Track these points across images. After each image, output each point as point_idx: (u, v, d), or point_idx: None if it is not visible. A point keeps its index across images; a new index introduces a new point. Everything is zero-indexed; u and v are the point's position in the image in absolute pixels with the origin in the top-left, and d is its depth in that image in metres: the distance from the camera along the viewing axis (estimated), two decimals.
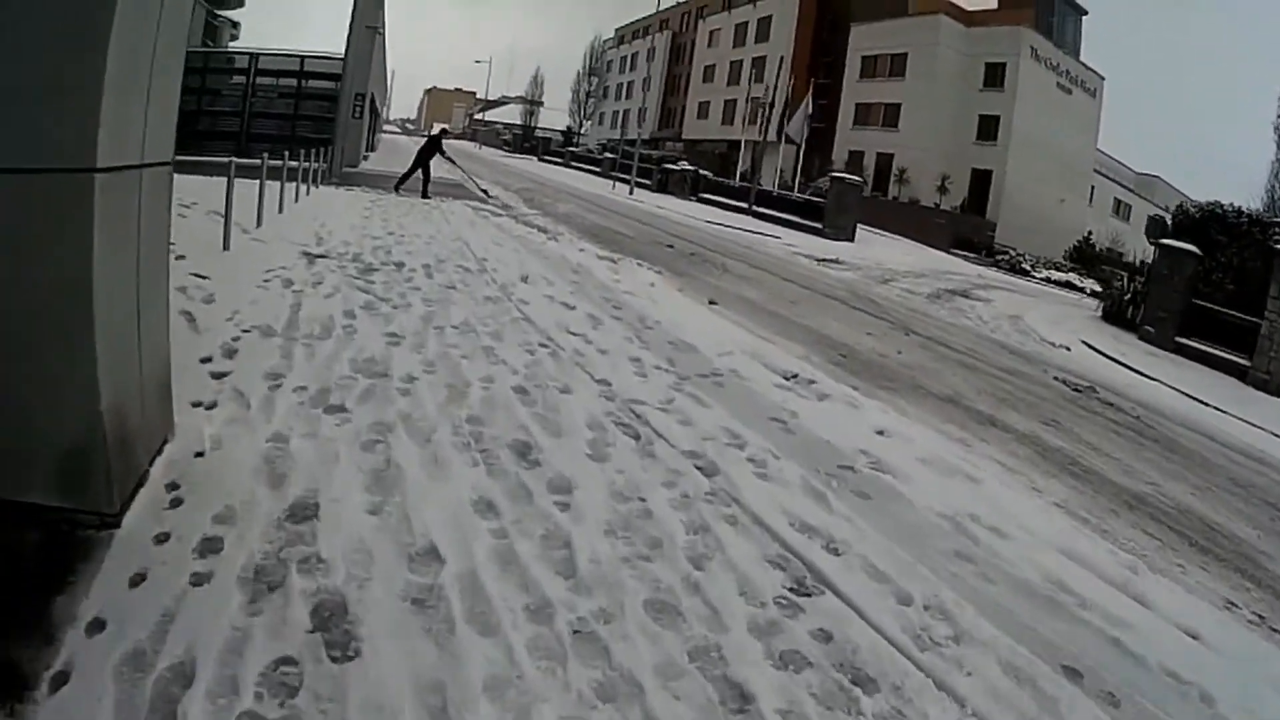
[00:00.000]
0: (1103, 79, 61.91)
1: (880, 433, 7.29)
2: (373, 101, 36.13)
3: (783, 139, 50.88)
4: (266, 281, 9.88)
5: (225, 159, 12.70)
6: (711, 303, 13.45)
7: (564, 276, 13.85)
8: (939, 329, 15.58)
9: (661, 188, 50.64)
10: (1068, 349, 16.38)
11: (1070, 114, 57.91)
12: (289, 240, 12.99)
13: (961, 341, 14.57)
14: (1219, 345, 18.26)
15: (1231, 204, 22.37)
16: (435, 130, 30.42)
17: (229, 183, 11.65)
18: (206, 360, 6.68)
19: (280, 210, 15.71)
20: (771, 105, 48.58)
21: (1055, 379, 12.58)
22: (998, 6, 61.81)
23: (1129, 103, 58.81)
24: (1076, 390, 11.91)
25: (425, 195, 24.58)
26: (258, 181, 13.79)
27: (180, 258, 9.41)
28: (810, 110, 47.02)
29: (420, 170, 25.20)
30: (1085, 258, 49.10)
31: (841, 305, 16.30)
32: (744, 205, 43.23)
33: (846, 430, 7.11)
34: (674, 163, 53.97)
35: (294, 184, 18.28)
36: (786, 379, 8.67)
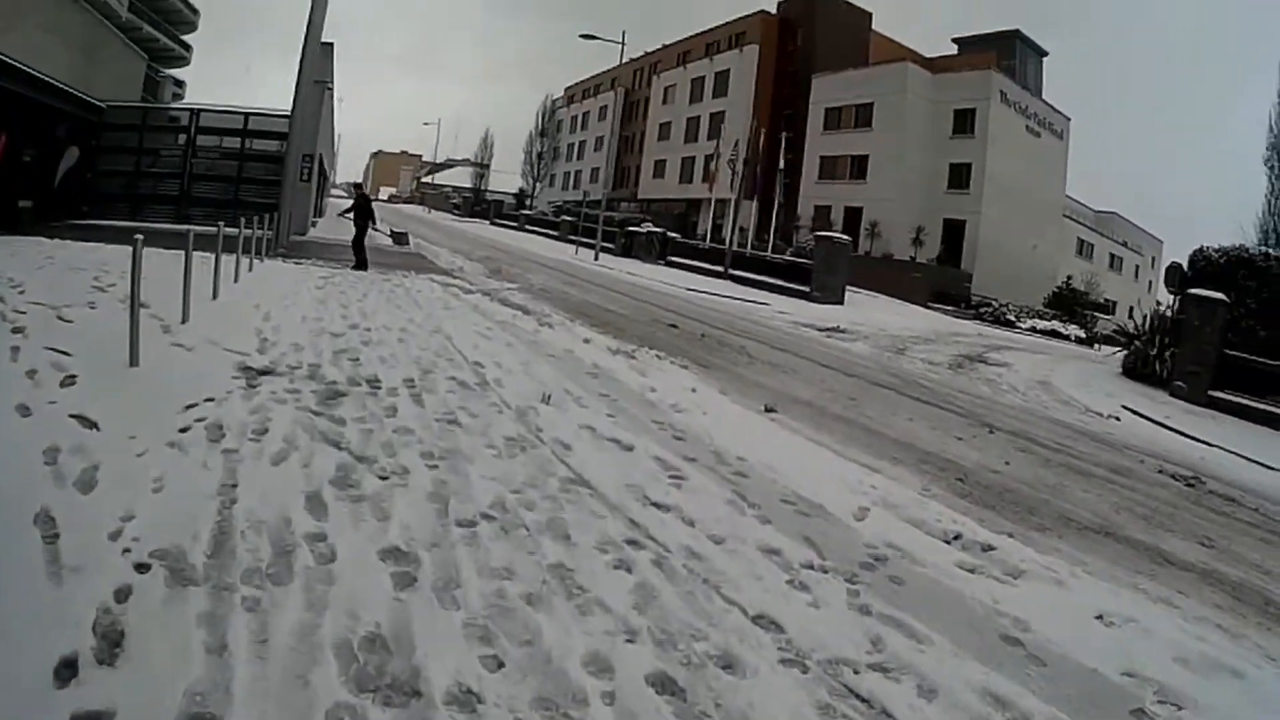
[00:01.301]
0: (1068, 119, 61.68)
1: (1110, 623, 5.41)
2: (321, 163, 32.99)
3: (743, 196, 49.09)
4: (184, 431, 6.58)
5: (163, 225, 9.43)
6: (768, 410, 10.91)
7: (588, 387, 10.75)
8: (1004, 415, 14.04)
9: (626, 251, 48.19)
10: (1118, 419, 15.45)
11: (1040, 157, 57.44)
12: (223, 344, 9.74)
13: (1035, 430, 12.90)
14: (1254, 396, 17.84)
15: (1260, 247, 22.30)
16: (354, 190, 27.05)
17: (134, 265, 8.53)
18: (66, 671, 3.41)
19: (215, 295, 12.61)
20: (745, 161, 45.91)
21: (1159, 472, 11.15)
22: (958, 52, 60.75)
23: (1082, 141, 59.10)
24: (1189, 485, 10.62)
25: (361, 266, 21.69)
26: (190, 255, 10.84)
27: (67, 381, 7.27)
28: (782, 165, 44.80)
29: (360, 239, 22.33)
30: (1064, 303, 49.03)
31: (893, 394, 14.47)
32: (717, 269, 41.18)
33: (1089, 638, 5.14)
34: (637, 225, 51.21)
35: (235, 256, 15.23)
36: (950, 541, 6.52)
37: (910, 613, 5.03)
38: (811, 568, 5.50)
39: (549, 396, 9.55)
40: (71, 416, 6.42)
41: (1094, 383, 19.76)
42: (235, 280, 14.92)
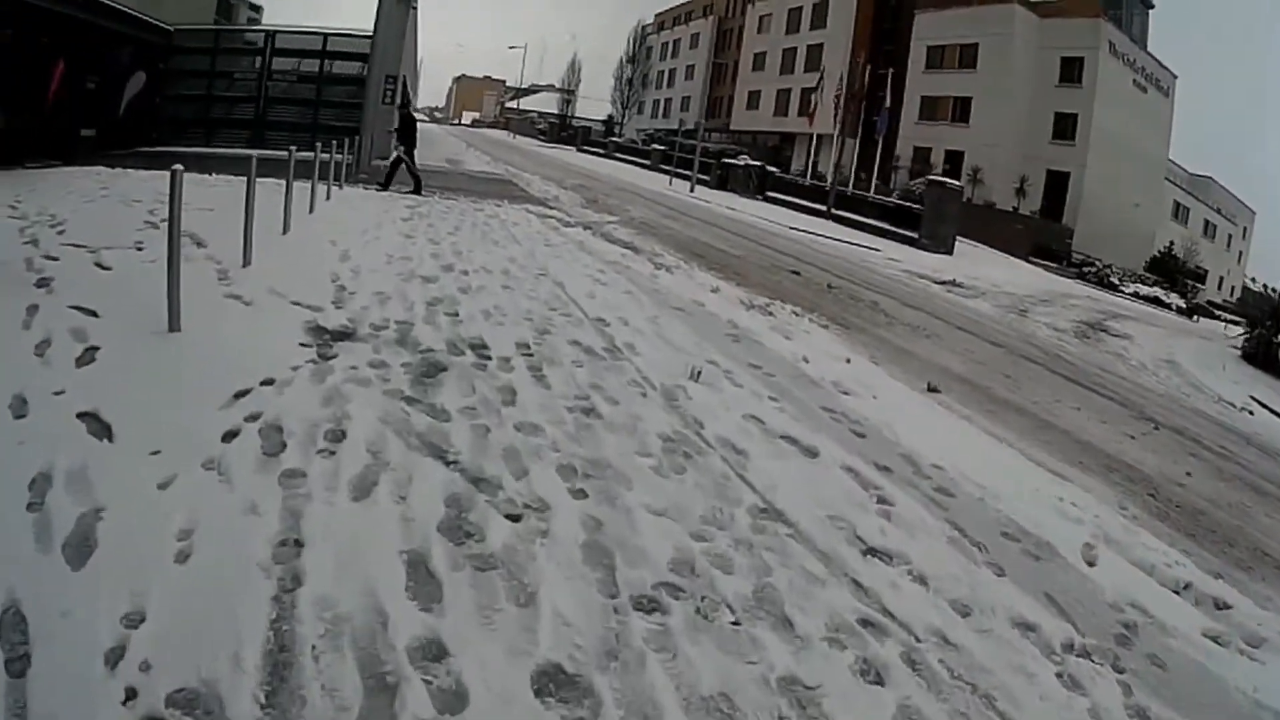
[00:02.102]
0: (1175, 76, 56.96)
1: None
2: (404, 86, 31.02)
3: (845, 133, 46.66)
4: (229, 439, 4.68)
5: (236, 151, 7.78)
6: (931, 389, 9.37)
7: (733, 355, 8.80)
8: (1155, 405, 12.60)
9: (722, 184, 45.65)
10: (1250, 412, 14.40)
11: (1145, 113, 53.12)
12: (291, 296, 7.83)
13: (1192, 427, 11.56)
14: None
15: None
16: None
17: (171, 202, 6.25)
18: None
19: (285, 230, 10.81)
20: (851, 96, 43.29)
21: None
22: None
23: (1182, 100, 55.05)
24: None
25: (385, 186, 19.69)
26: (253, 184, 8.96)
27: (85, 357, 5.60)
28: (889, 103, 41.78)
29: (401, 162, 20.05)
30: (1165, 270, 46.42)
31: (1042, 370, 13.06)
32: (818, 207, 38.36)
33: None
34: (733, 157, 48.53)
35: (311, 183, 13.45)
36: (1181, 592, 5.29)
37: (1184, 713, 3.91)
38: (1073, 649, 4.22)
39: (699, 372, 7.47)
40: (80, 416, 4.60)
41: (1216, 365, 18.62)
42: (310, 211, 13.08)
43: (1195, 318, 36.21)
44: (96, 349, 5.67)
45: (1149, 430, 10.34)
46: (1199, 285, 47.86)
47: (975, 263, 31.39)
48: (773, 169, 45.88)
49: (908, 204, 35.34)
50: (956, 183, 35.89)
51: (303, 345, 6.43)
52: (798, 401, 7.40)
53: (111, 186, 13.56)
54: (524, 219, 17.60)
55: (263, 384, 5.45)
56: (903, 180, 47.78)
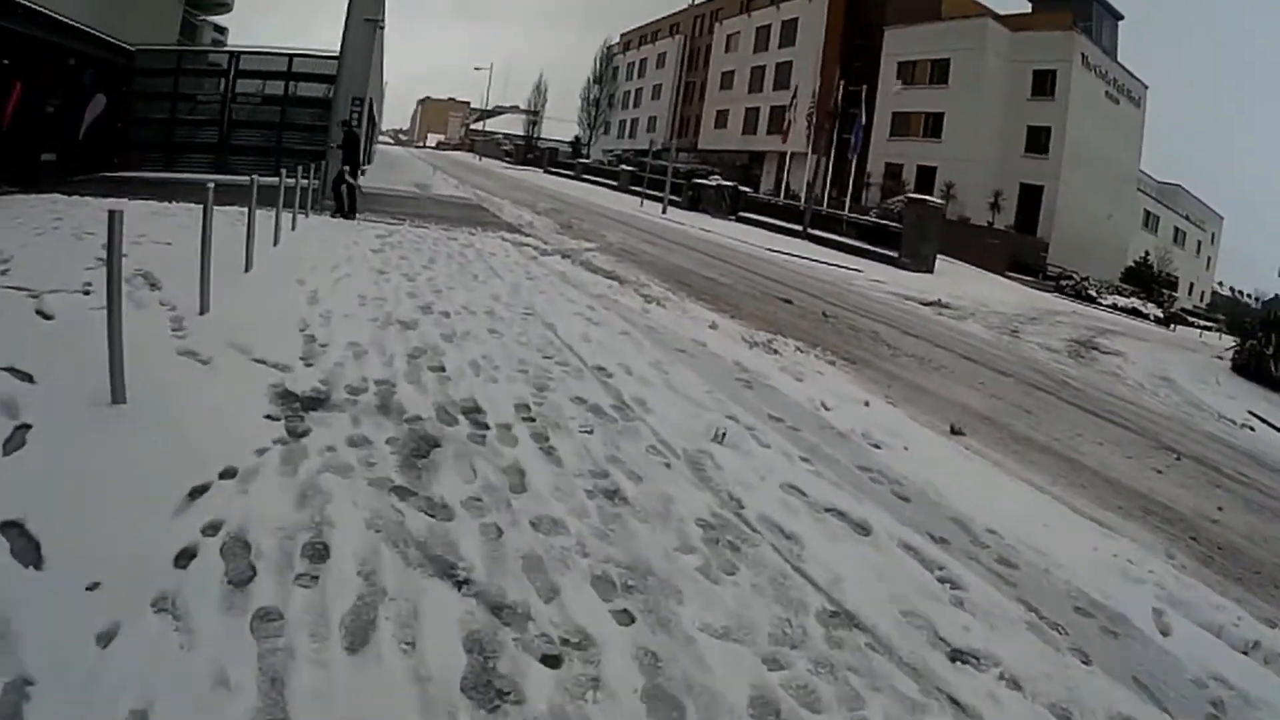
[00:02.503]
0: (1146, 87, 57.14)
1: None
2: (371, 108, 30.03)
3: (820, 150, 45.92)
4: (183, 563, 3.74)
5: (199, 176, 7.12)
6: (956, 432, 8.84)
7: (749, 404, 7.97)
8: (1166, 430, 12.31)
9: (693, 204, 45.20)
10: (1251, 428, 14.32)
11: (1117, 124, 53.30)
12: (254, 350, 6.87)
13: (1205, 452, 11.30)
14: None
15: None
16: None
17: (110, 252, 5.39)
18: None
19: (248, 267, 9.87)
20: (828, 114, 43.38)
21: None
22: (1032, 10, 56.23)
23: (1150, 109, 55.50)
24: None
25: (349, 213, 18.45)
26: (209, 216, 8.01)
27: (14, 439, 4.62)
28: (864, 120, 41.24)
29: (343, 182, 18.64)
30: (1141, 279, 46.60)
31: (1053, 399, 12.70)
32: (793, 227, 38.27)
33: None
34: (704, 177, 47.95)
35: (276, 211, 12.56)
36: (1249, 652, 4.90)
37: None
38: None
39: (723, 434, 6.59)
40: (3, 528, 3.67)
41: (1210, 380, 18.48)
42: (275, 244, 12.16)
43: (1172, 326, 36.45)
44: (28, 428, 4.72)
45: (1172, 462, 10.07)
46: (1173, 294, 47.92)
47: (957, 281, 31.16)
48: (745, 189, 45.60)
49: (885, 222, 35.00)
50: (937, 200, 35.74)
51: (269, 418, 5.48)
52: (831, 461, 6.62)
53: (66, 217, 12.44)
54: (500, 248, 16.70)
55: (222, 476, 4.52)
56: (874, 197, 47.30)
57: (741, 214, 42.72)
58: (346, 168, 18.43)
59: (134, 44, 23.54)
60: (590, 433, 6.24)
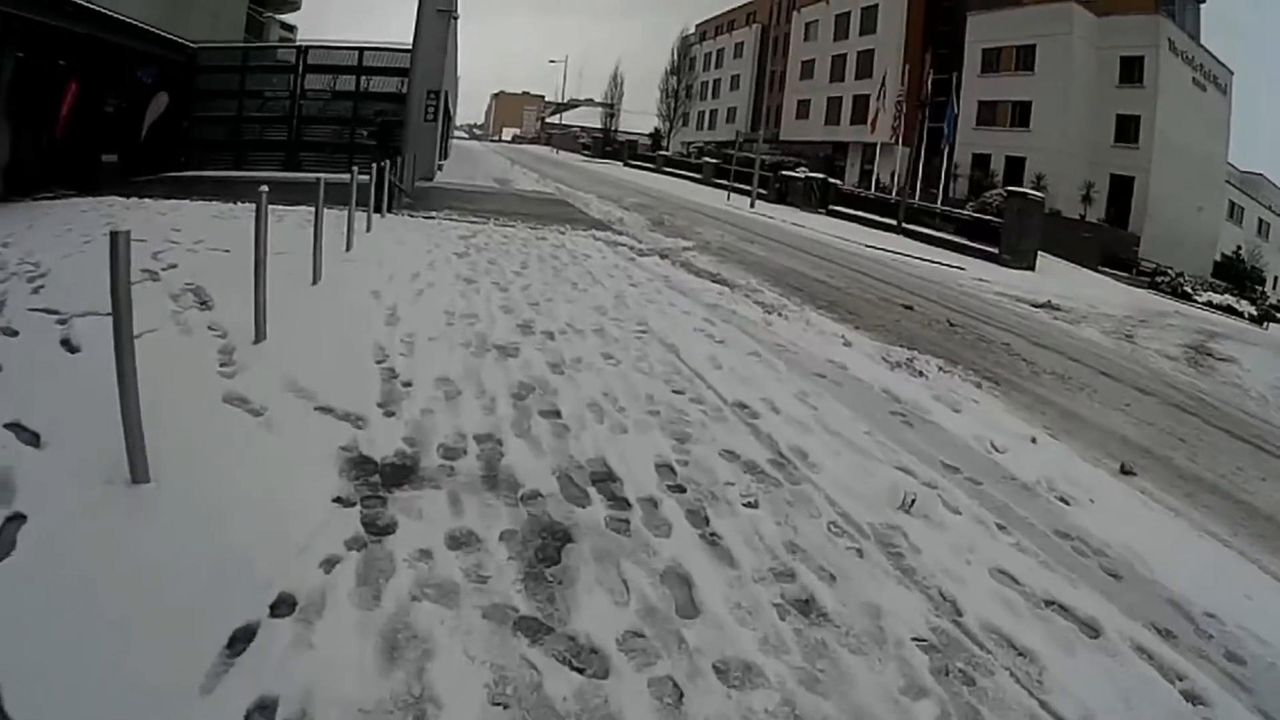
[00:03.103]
0: (1231, 73, 53.90)
1: None
2: (446, 102, 28.82)
3: (898, 140, 45.37)
4: None
5: (269, 174, 5.77)
6: (1126, 471, 7.55)
7: (918, 450, 6.55)
8: None
9: (780, 198, 43.29)
10: None
11: (1204, 113, 50.42)
12: (319, 389, 5.54)
13: None
14: None
15: None
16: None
17: (114, 288, 3.98)
18: None
19: (315, 279, 8.57)
20: (920, 102, 41.59)
21: None
22: None
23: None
24: None
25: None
26: (264, 220, 6.50)
27: (5, 536, 3.39)
28: (957, 109, 39.09)
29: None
30: (1233, 275, 44.51)
31: (1200, 422, 10.75)
32: (885, 221, 36.24)
33: None
34: (791, 168, 46.10)
35: (348, 212, 11.32)
36: None
37: None
38: None
39: (911, 501, 5.10)
40: None
41: None
42: (347, 249, 10.87)
43: (1265, 325, 33.90)
44: (22, 520, 3.48)
45: None
46: (1263, 289, 45.14)
47: (1058, 278, 29.17)
48: (835, 181, 43.60)
49: (984, 217, 32.99)
50: (1037, 194, 33.39)
51: (339, 502, 4.08)
52: (1027, 527, 5.34)
53: (119, 221, 11.26)
54: (594, 248, 15.32)
55: (275, 610, 3.13)
56: (962, 189, 45.35)
57: (832, 207, 40.76)
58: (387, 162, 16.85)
59: (197, 41, 22.82)
60: (755, 506, 4.76)
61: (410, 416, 5.32)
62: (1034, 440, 7.50)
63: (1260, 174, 69.45)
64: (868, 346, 10.34)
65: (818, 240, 26.86)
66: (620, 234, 18.58)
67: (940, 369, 9.94)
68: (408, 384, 5.95)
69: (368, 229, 12.95)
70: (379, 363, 6.37)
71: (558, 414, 5.80)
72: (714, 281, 13.51)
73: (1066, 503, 5.95)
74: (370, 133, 17.44)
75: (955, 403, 8.24)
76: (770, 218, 32.64)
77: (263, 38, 34.04)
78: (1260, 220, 63.11)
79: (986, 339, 13.44)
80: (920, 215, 35.68)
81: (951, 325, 14.05)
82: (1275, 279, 61.03)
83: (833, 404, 7.20)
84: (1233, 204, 58.12)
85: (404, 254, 11.42)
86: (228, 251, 9.08)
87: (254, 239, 6.15)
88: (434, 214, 17.18)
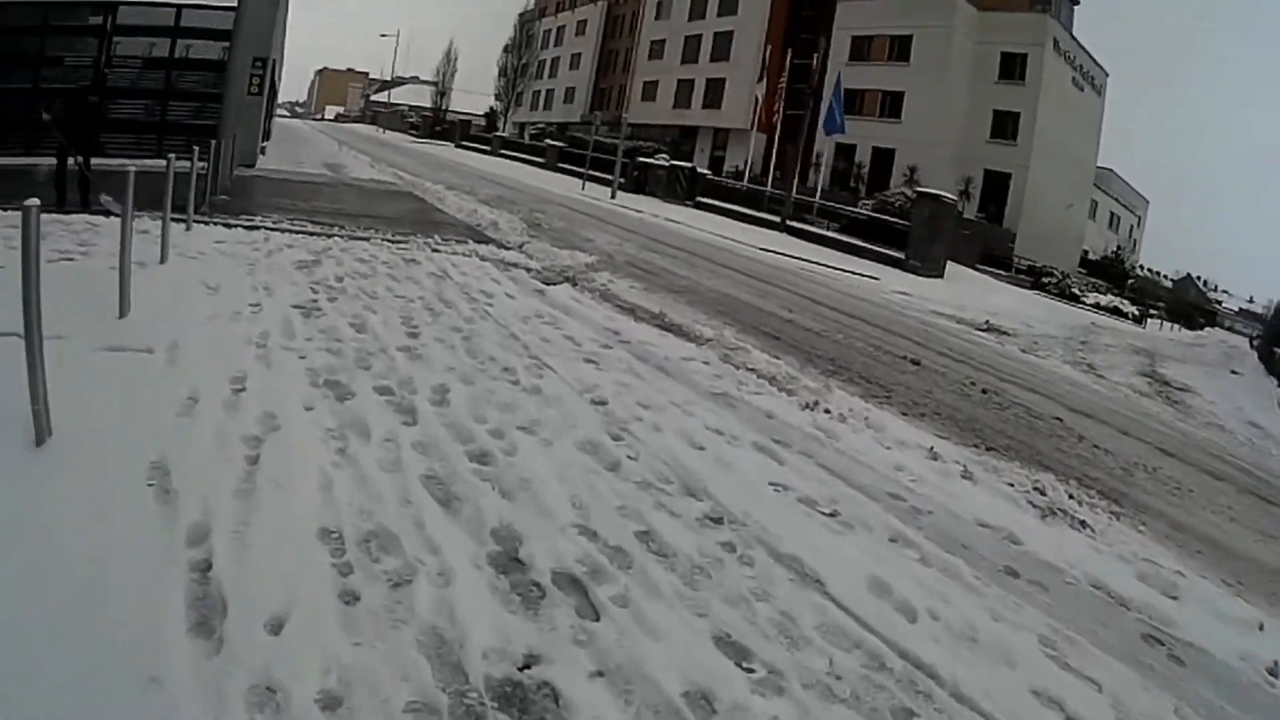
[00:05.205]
0: (1107, 75, 54.20)
1: None
2: (273, 74, 23.96)
3: (756, 127, 43.44)
4: None
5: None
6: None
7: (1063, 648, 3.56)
8: None
9: (638, 187, 40.27)
10: None
11: (1080, 112, 50.42)
12: None
13: None
14: None
15: None
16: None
17: None
18: None
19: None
20: (769, 87, 39.98)
21: None
22: None
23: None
24: None
25: (90, 204, 10.91)
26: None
27: None
28: (842, 96, 36.16)
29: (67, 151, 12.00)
30: (1109, 273, 45.36)
31: (1232, 489, 8.70)
32: (763, 217, 34.12)
33: None
34: (649, 155, 42.61)
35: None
36: None
37: None
38: None
39: None
40: None
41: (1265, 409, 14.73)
42: (121, 313, 6.31)
43: (1144, 323, 34.51)
44: None
45: None
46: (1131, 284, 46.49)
47: (969, 286, 27.84)
48: (704, 171, 40.66)
49: (887, 219, 30.83)
50: (951, 197, 30.99)
51: None
52: None
53: None
54: (485, 275, 11.18)
55: None
56: (823, 180, 42.64)
57: (699, 199, 37.93)
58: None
59: None
60: None
61: None
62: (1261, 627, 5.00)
63: (1109, 168, 71.37)
64: (979, 470, 6.84)
65: (714, 245, 23.85)
66: (504, 246, 14.35)
67: (1071, 496, 6.79)
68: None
69: (161, 259, 8.30)
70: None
71: None
72: (662, 329, 9.90)
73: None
74: (49, 116, 12.04)
75: (1167, 586, 5.24)
76: (640, 212, 29.71)
77: None
78: (1111, 213, 64.36)
79: (1016, 403, 10.53)
80: (798, 210, 33.49)
81: (981, 390, 10.94)
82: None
83: (1086, 648, 4.03)
84: (1092, 199, 58.88)
85: (214, 318, 6.79)
86: None
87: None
88: (258, 220, 12.41)
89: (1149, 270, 74.79)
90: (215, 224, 11.49)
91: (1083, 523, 6.07)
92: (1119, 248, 48.02)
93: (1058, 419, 10.07)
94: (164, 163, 8.72)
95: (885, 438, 7.03)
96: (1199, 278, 64.57)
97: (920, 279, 26.30)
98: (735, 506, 4.81)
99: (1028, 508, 6.07)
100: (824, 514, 5.00)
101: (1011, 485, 6.53)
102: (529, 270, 12.31)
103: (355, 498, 4.03)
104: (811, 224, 32.69)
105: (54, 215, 9.96)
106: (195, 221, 10.89)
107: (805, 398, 7.76)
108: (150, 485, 3.79)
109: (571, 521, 4.26)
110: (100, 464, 3.86)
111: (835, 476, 5.72)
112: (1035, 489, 6.64)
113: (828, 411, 7.43)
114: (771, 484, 5.32)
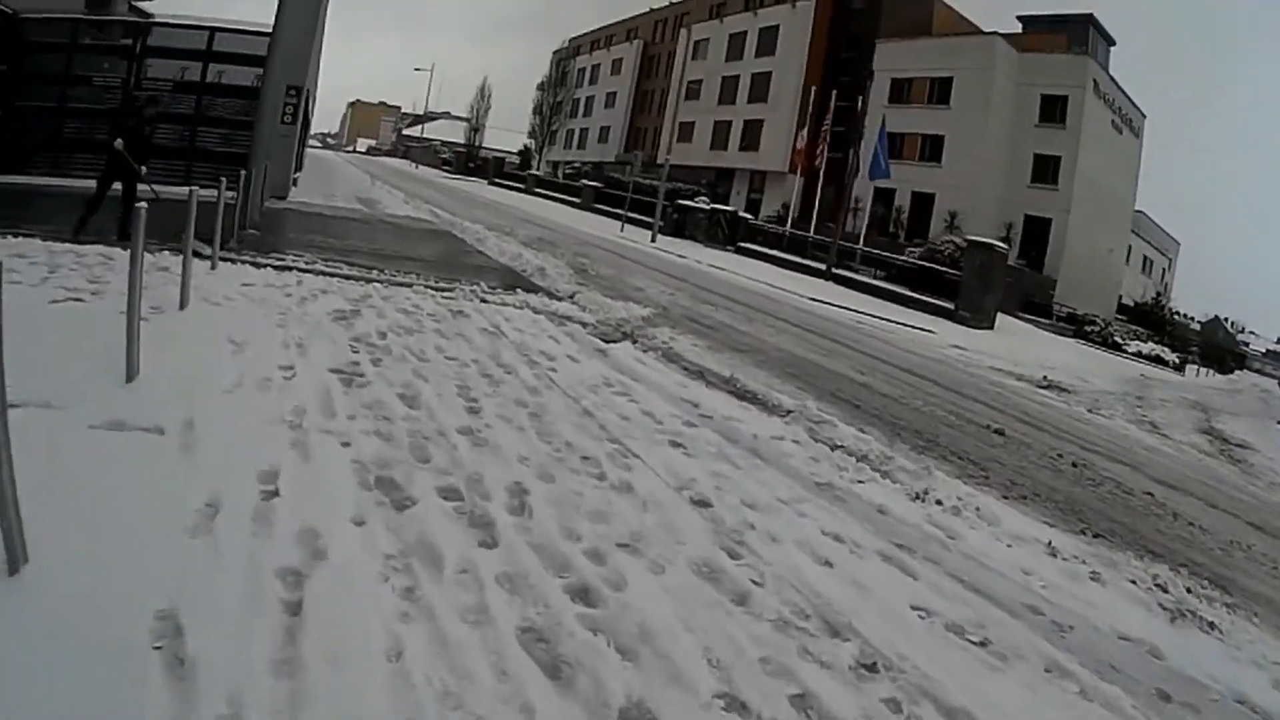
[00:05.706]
0: (1144, 116, 53.16)
1: None
2: (307, 104, 23.20)
3: (797, 170, 41.74)
4: None
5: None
6: None
7: None
8: None
9: (678, 230, 39.42)
10: None
11: (1119, 155, 49.37)
12: None
13: None
14: None
15: None
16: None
17: None
18: None
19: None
20: (811, 131, 39.79)
21: None
22: (1023, 31, 51.28)
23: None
24: None
25: (124, 234, 10.28)
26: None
27: None
28: (885, 140, 35.41)
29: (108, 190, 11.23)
30: (1150, 319, 45.01)
31: None
32: (807, 263, 33.56)
33: None
34: (690, 198, 41.79)
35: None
36: None
37: None
38: None
39: None
40: None
41: None
42: (129, 377, 5.41)
43: (1184, 371, 33.80)
44: None
45: None
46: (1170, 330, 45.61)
47: (1021, 339, 26.98)
48: (745, 215, 40.04)
49: (937, 267, 29.85)
50: (1003, 246, 30.09)
51: None
52: None
53: None
54: (541, 333, 10.30)
55: None
56: (861, 225, 42.30)
57: (740, 244, 37.26)
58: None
59: (19, 9, 17.30)
60: None
61: None
62: None
63: (1142, 211, 70.84)
64: (1099, 566, 6.14)
65: (765, 295, 23.04)
66: (554, 296, 13.39)
67: (1190, 591, 6.26)
68: None
69: (181, 304, 7.34)
70: None
71: None
72: (739, 399, 9.01)
73: None
74: (113, 137, 11.28)
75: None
76: (684, 257, 28.96)
77: (109, 12, 27.62)
78: (1145, 257, 63.62)
79: (1106, 478, 9.72)
80: (841, 257, 32.71)
81: (1071, 463, 10.07)
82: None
83: None
84: (1127, 244, 57.92)
85: (239, 386, 5.79)
86: None
87: None
88: (289, 259, 11.57)
89: (1180, 314, 74.19)
90: (243, 262, 10.67)
91: (1211, 624, 5.64)
92: (1158, 294, 46.80)
93: (1149, 494, 9.42)
94: (187, 190, 7.83)
95: (1001, 532, 6.27)
96: (1225, 319, 64.08)
97: (972, 331, 25.45)
98: (886, 646, 3.96)
99: (1157, 610, 5.61)
100: (975, 643, 4.29)
101: (1134, 583, 6.02)
102: (584, 325, 11.45)
103: (436, 671, 3.00)
104: (857, 271, 31.88)
105: (67, 245, 9.39)
106: (221, 259, 9.98)
107: (909, 483, 7.00)
108: (157, 649, 2.76)
109: (714, 691, 3.29)
110: (90, 611, 2.87)
111: (970, 590, 4.98)
112: (1157, 585, 6.18)
113: (939, 503, 6.63)
114: (914, 608, 4.50)
